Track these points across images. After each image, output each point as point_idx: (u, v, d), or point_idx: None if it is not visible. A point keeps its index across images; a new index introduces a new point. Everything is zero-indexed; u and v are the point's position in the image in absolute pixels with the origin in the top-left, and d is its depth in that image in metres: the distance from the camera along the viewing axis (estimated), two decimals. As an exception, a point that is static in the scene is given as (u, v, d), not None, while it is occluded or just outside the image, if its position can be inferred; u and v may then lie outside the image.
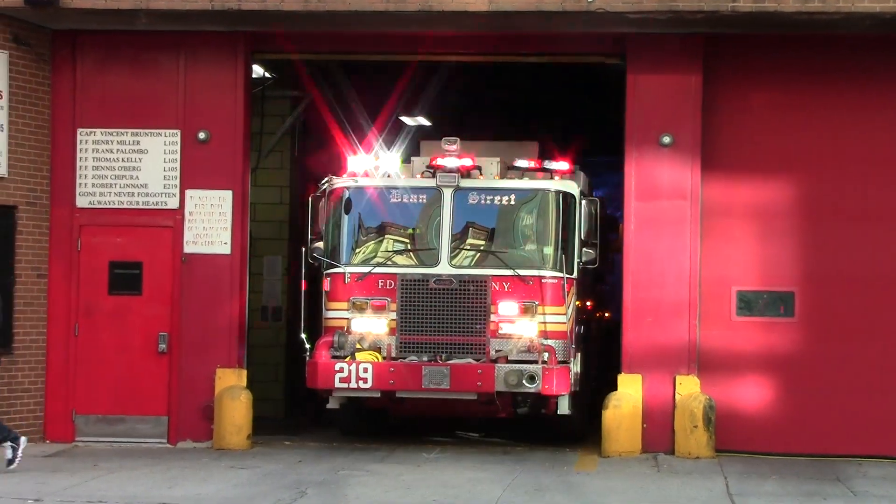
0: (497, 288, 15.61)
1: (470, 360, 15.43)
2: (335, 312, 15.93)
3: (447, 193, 15.86)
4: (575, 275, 16.07)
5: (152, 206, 16.86)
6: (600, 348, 19.04)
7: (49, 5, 15.64)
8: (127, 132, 16.92)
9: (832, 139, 16.61)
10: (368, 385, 15.12)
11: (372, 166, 16.34)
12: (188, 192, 16.74)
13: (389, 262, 16.08)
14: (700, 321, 16.48)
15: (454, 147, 15.86)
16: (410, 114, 21.73)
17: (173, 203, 16.76)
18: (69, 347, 16.84)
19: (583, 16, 15.34)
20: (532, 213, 16.21)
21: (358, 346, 15.57)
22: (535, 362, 15.12)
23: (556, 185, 16.08)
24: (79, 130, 16.95)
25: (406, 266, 16.03)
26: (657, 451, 16.18)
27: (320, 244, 16.29)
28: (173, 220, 16.72)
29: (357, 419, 17.17)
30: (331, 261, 16.13)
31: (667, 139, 16.39)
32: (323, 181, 16.43)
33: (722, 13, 15.15)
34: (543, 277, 15.69)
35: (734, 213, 16.68)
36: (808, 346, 16.54)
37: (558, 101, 22.49)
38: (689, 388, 16.19)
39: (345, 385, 15.16)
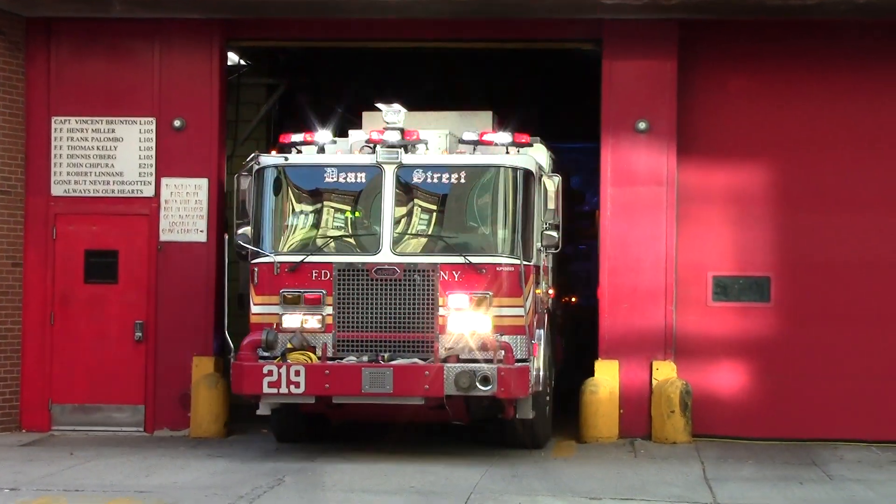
0: (446, 277, 13.69)
1: (416, 359, 13.60)
2: (263, 307, 14.09)
3: (389, 171, 13.96)
4: (535, 261, 14.36)
5: (128, 195, 16.82)
6: (569, 335, 18.56)
7: (23, -8, 15.73)
8: (102, 120, 16.87)
9: (809, 125, 16.65)
10: (301, 390, 13.36)
11: (304, 142, 14.53)
12: (164, 181, 16.71)
13: (324, 250, 14.15)
14: (676, 306, 16.52)
15: (397, 118, 14.09)
16: (386, 100, 21.64)
17: (149, 191, 16.73)
18: (45, 336, 16.80)
19: (560, 1, 15.41)
20: (485, 193, 14.22)
21: (289, 345, 13.69)
22: (490, 361, 13.43)
23: (512, 160, 14.19)
24: (53, 118, 16.90)
25: (343, 254, 14.08)
26: (634, 436, 16.23)
27: (247, 230, 14.31)
28: (149, 209, 16.68)
29: (293, 425, 15.33)
30: (258, 249, 14.20)
31: (642, 125, 16.40)
32: (249, 158, 14.65)
33: (697, -1, 15.26)
34: (498, 265, 13.82)
35: (710, 199, 16.71)
36: (783, 330, 16.60)
37: (535, 86, 22.35)
38: (665, 373, 16.24)
39: (274, 390, 13.41)
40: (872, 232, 16.48)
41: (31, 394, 16.80)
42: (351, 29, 16.90)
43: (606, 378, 16.23)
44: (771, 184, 16.70)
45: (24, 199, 16.81)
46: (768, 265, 16.65)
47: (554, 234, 14.35)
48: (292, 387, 13.31)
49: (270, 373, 13.35)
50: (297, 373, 13.32)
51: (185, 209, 16.68)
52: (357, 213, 14.35)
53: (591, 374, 16.30)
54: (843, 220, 16.51)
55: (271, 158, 14.42)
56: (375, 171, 14.03)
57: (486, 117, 15.32)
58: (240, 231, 14.28)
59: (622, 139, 16.47)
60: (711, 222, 16.71)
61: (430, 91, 21.27)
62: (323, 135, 14.54)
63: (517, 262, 13.81)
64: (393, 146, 13.96)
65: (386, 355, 13.56)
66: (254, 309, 14.21)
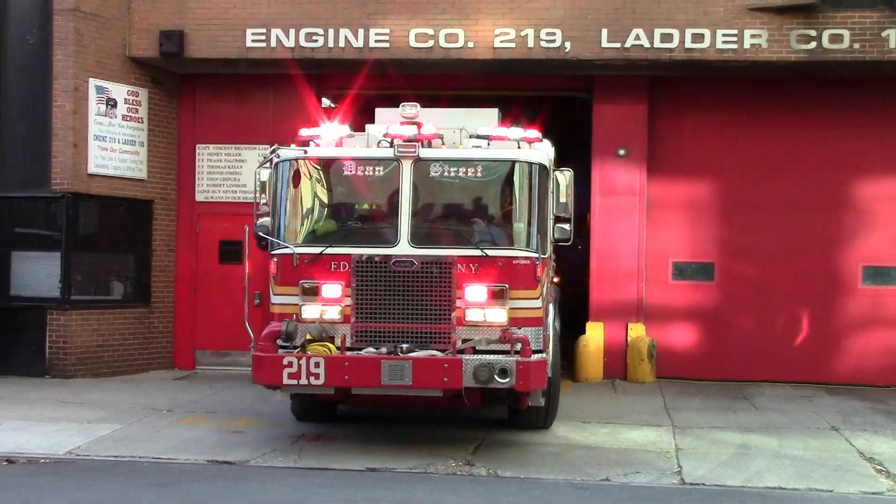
0: (463, 270, 10.26)
1: (434, 351, 10.16)
2: (284, 298, 10.71)
3: (406, 165, 10.46)
4: (548, 254, 11.08)
5: (250, 200, 16.34)
6: (561, 306, 16.69)
7: (177, 56, 15.86)
8: (231, 146, 16.96)
9: (741, 151, 16.55)
10: (321, 381, 10.04)
11: (326, 135, 11.11)
12: (276, 190, 16.79)
13: (343, 242, 10.59)
14: (646, 284, 16.52)
15: (415, 113, 10.60)
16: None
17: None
18: (191, 302, 16.95)
19: (561, 62, 15.40)
20: (502, 186, 10.84)
21: (309, 336, 10.35)
22: (507, 353, 10.05)
23: (528, 154, 10.71)
24: (197, 145, 17.02)
25: (361, 246, 10.47)
26: (614, 377, 16.25)
27: (267, 221, 10.97)
28: (265, 210, 16.77)
29: (311, 409, 12.23)
30: (278, 241, 10.80)
31: (622, 152, 16.37)
32: (269, 151, 11.19)
33: (663, 60, 15.21)
34: (515, 258, 10.38)
35: (671, 206, 16.67)
36: (723, 301, 16.55)
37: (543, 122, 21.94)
38: (637, 332, 16.25)
39: (294, 381, 10.08)
40: (783, 229, 16.38)
41: (181, 342, 16.96)
42: (405, 82, 16.80)
43: (595, 335, 16.26)
44: (715, 195, 16.64)
45: (176, 203, 16.99)
46: (712, 254, 16.60)
47: (566, 226, 11.23)
48: (312, 378, 10.05)
49: (290, 364, 10.11)
50: (317, 364, 10.06)
51: (290, 211, 16.75)
52: (375, 206, 11.03)
53: (583, 332, 16.30)
54: (765, 220, 16.43)
55: (291, 152, 10.96)
56: (393, 165, 10.55)
57: (492, 114, 11.92)
58: (259, 222, 11.00)
59: (607, 162, 16.44)
60: (672, 223, 16.68)
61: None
62: (341, 129, 11.15)
63: (533, 255, 10.48)
64: (410, 140, 10.52)
65: (404, 346, 10.19)
66: (273, 299, 10.90)
